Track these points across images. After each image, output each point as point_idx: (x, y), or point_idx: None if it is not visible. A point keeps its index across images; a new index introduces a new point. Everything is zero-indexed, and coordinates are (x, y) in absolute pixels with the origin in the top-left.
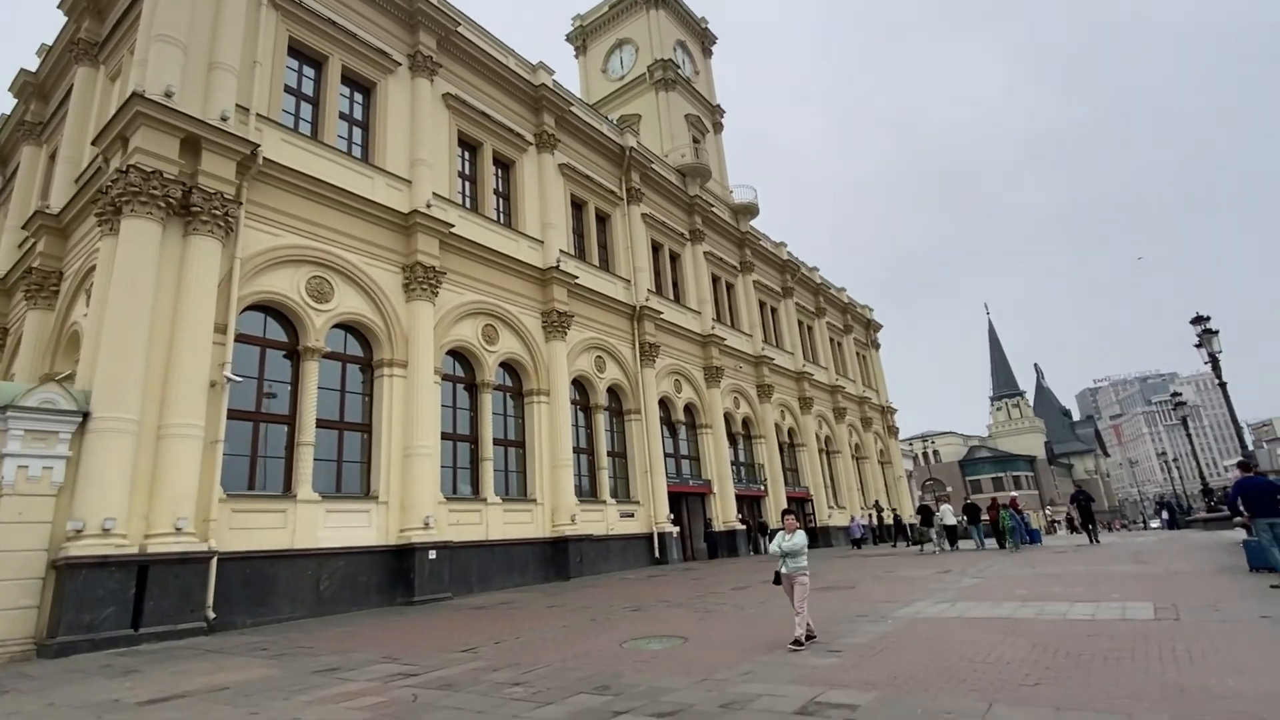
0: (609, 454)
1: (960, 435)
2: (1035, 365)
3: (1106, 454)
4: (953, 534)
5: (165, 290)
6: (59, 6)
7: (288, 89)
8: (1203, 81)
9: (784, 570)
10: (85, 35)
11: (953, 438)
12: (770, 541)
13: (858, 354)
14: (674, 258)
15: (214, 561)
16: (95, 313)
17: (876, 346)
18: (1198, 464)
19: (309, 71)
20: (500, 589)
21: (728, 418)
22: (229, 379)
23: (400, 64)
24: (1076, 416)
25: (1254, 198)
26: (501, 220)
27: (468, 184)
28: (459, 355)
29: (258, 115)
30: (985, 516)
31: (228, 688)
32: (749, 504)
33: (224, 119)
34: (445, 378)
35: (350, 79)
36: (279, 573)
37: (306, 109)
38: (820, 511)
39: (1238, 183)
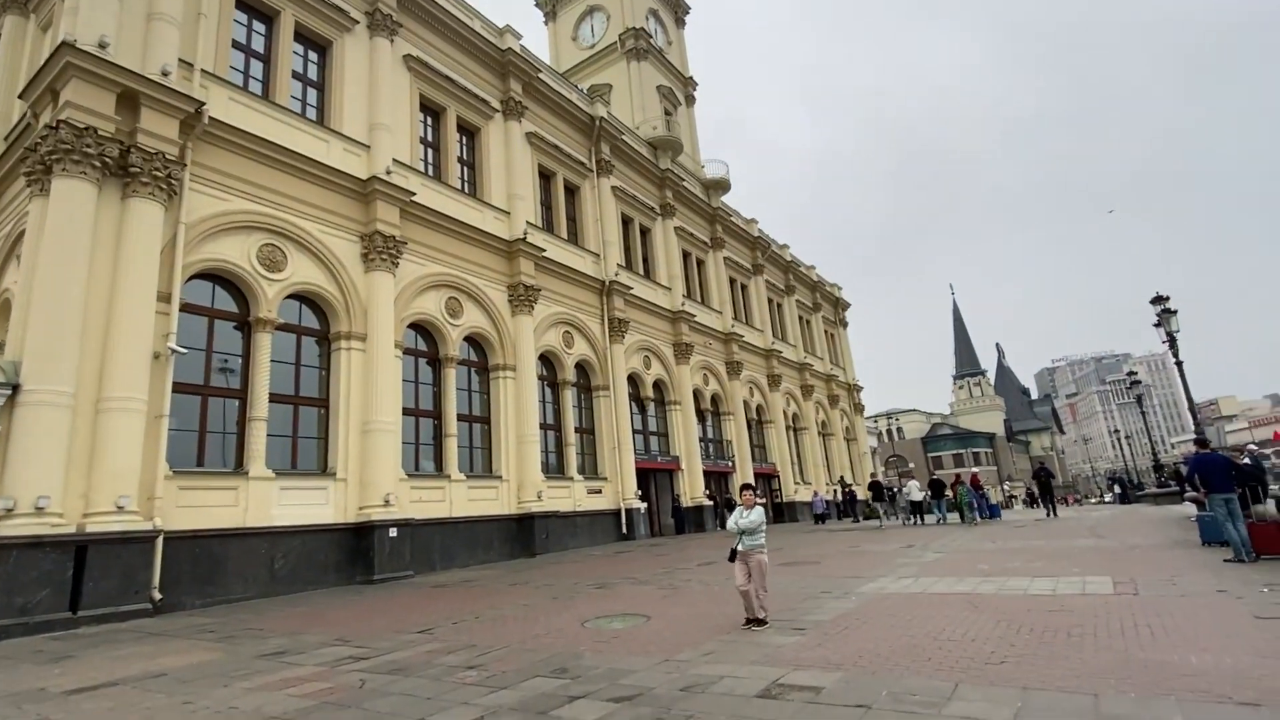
0: (577, 430)
1: (924, 413)
2: (997, 345)
3: (1062, 431)
4: (919, 509)
5: (102, 255)
6: None
7: (236, 45)
8: (1163, 73)
9: (740, 547)
10: None
11: (916, 415)
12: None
13: (826, 332)
14: (644, 232)
15: (159, 541)
16: (25, 279)
17: (844, 325)
18: (1150, 441)
19: (259, 27)
20: (464, 566)
21: (697, 394)
22: (173, 350)
23: (358, 22)
24: (1035, 395)
25: (1206, 185)
26: (466, 190)
27: (430, 151)
28: (421, 329)
29: (203, 71)
30: (949, 492)
31: (165, 673)
32: (717, 480)
33: (165, 74)
34: (407, 351)
35: (304, 36)
36: (230, 552)
37: (257, 67)
38: (786, 487)
39: (1190, 171)
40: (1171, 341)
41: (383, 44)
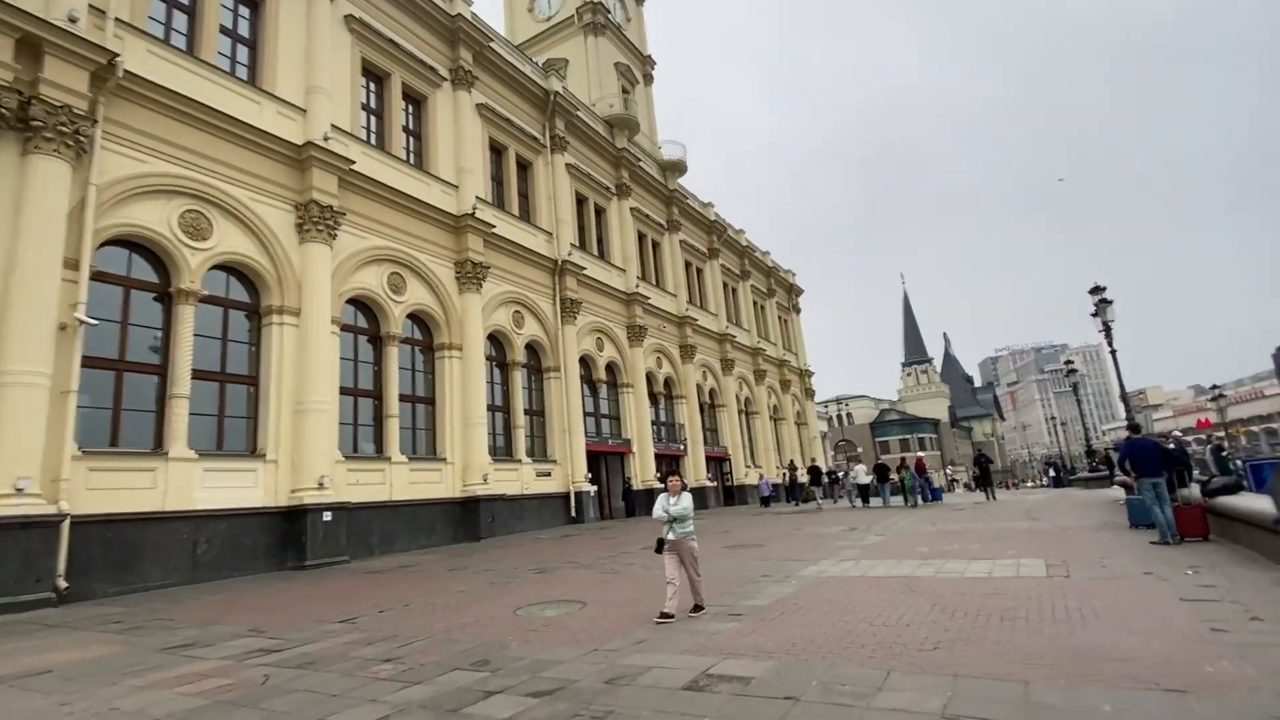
0: (526, 412)
1: (872, 399)
2: (944, 334)
3: (1003, 418)
4: (865, 492)
5: (0, 217)
6: None
7: None
8: (1105, 72)
9: (671, 536)
10: None
11: (865, 401)
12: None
13: (779, 318)
14: (599, 212)
15: (65, 525)
16: None
17: (798, 311)
18: (1085, 428)
19: None
20: (405, 551)
21: (650, 377)
22: (82, 321)
23: None
24: (978, 383)
25: (1138, 182)
26: (412, 161)
27: (373, 118)
28: (361, 304)
29: (117, 20)
30: (893, 476)
31: (50, 670)
32: (669, 463)
33: (72, 20)
34: (345, 328)
35: None
36: (148, 537)
37: (180, 19)
38: (737, 471)
39: (1126, 168)
40: (1107, 330)
41: (321, 1)
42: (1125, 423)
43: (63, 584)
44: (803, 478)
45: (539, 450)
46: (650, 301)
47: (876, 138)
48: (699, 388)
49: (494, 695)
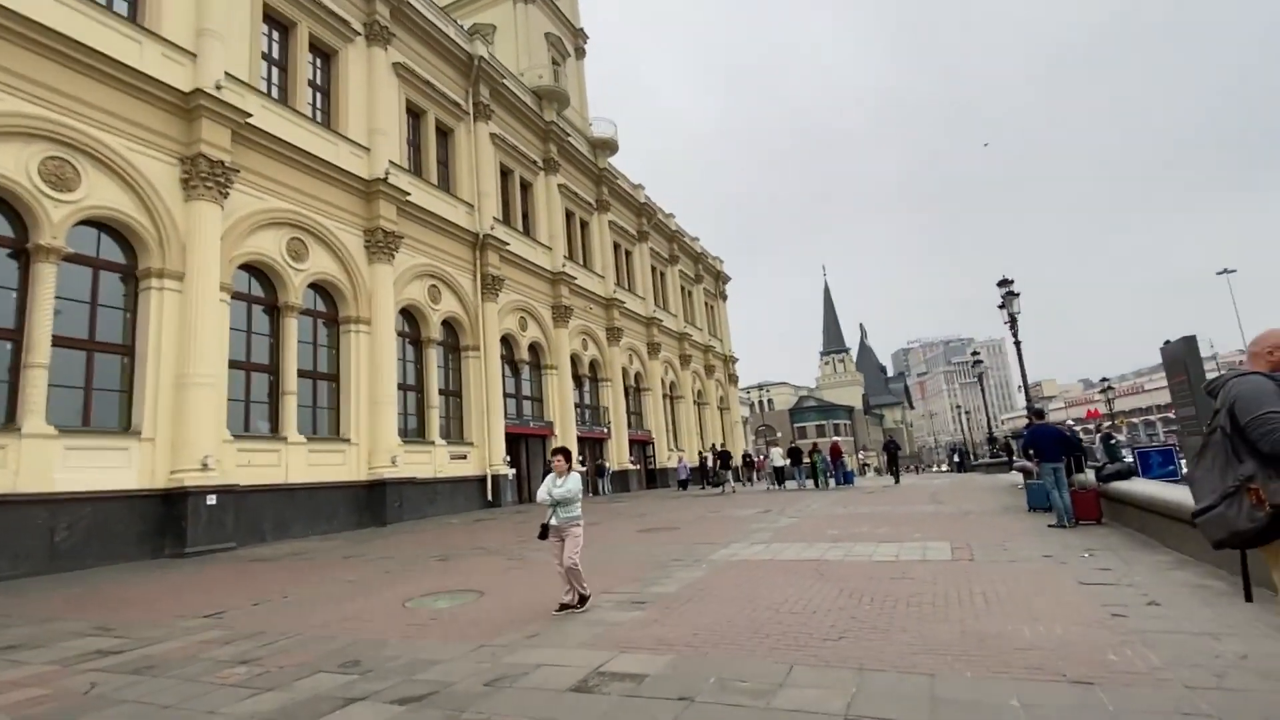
0: (441, 392)
1: (792, 386)
2: (860, 325)
3: (912, 406)
4: (781, 475)
5: None
6: None
7: None
8: (1028, 76)
9: (554, 521)
10: None
11: (786, 388)
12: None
13: (706, 304)
14: (525, 187)
15: None
16: None
17: (724, 298)
18: (987, 417)
19: None
20: (301, 538)
21: (575, 359)
22: None
23: None
24: (891, 373)
25: (1041, 185)
26: (319, 120)
27: (275, 70)
28: (256, 271)
29: None
30: (806, 459)
31: None
32: (591, 446)
33: None
34: (237, 296)
35: None
36: None
37: None
38: (660, 454)
39: (1039, 171)
40: (1013, 321)
41: None
42: (1023, 412)
43: None
44: (712, 462)
45: (455, 432)
46: (577, 282)
47: (804, 128)
48: (625, 371)
49: (355, 703)
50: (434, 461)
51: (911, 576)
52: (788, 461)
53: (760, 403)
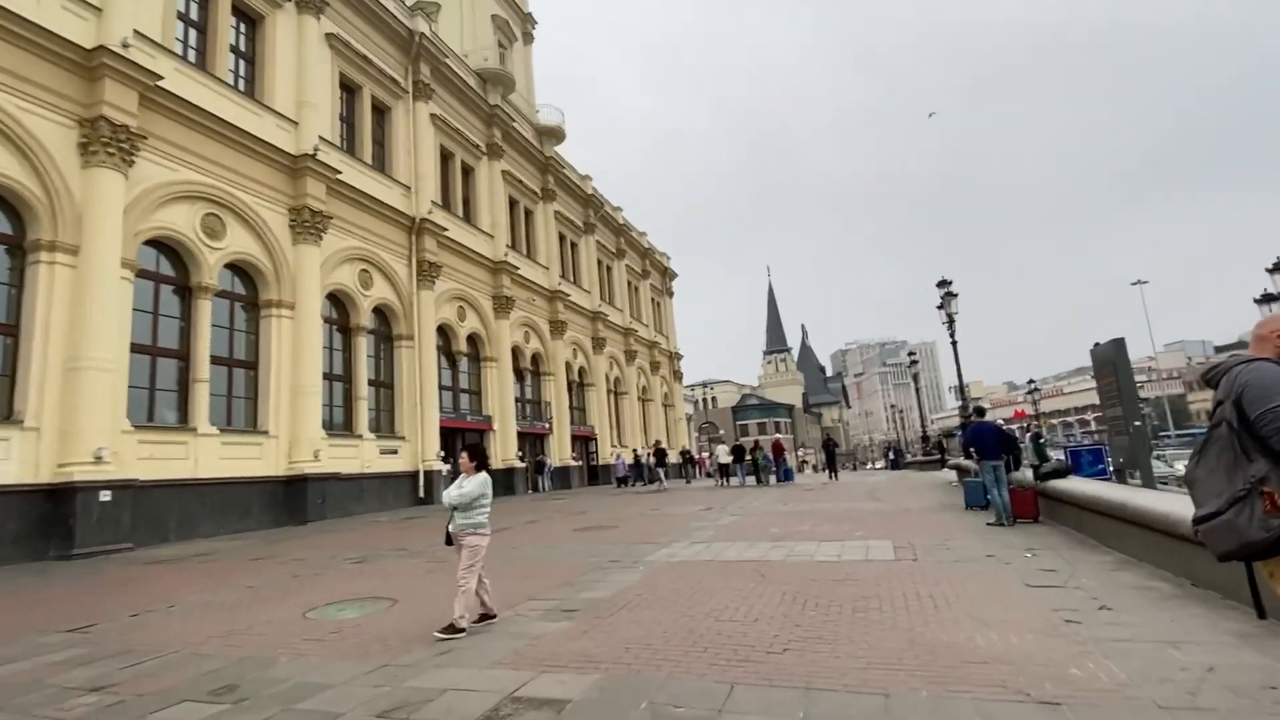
0: (371, 383)
1: (736, 384)
2: (802, 326)
3: (849, 406)
4: (726, 471)
5: None
6: None
7: None
8: (972, 84)
9: (452, 528)
10: None
11: (729, 386)
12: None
13: (653, 300)
14: (466, 171)
15: None
16: None
17: (671, 294)
18: (921, 417)
19: None
20: (210, 537)
21: (516, 352)
22: None
23: None
24: (830, 373)
25: (992, 193)
26: (242, 88)
27: (193, 32)
28: (165, 248)
29: None
30: (749, 456)
31: None
32: (532, 442)
33: None
34: (142, 274)
35: None
36: None
37: None
38: (603, 450)
39: (982, 179)
40: (950, 321)
41: None
42: (953, 411)
43: None
44: (648, 459)
45: (385, 425)
46: (520, 272)
47: (754, 131)
48: (568, 365)
49: None
50: (361, 456)
51: (856, 578)
52: (732, 459)
53: (704, 400)
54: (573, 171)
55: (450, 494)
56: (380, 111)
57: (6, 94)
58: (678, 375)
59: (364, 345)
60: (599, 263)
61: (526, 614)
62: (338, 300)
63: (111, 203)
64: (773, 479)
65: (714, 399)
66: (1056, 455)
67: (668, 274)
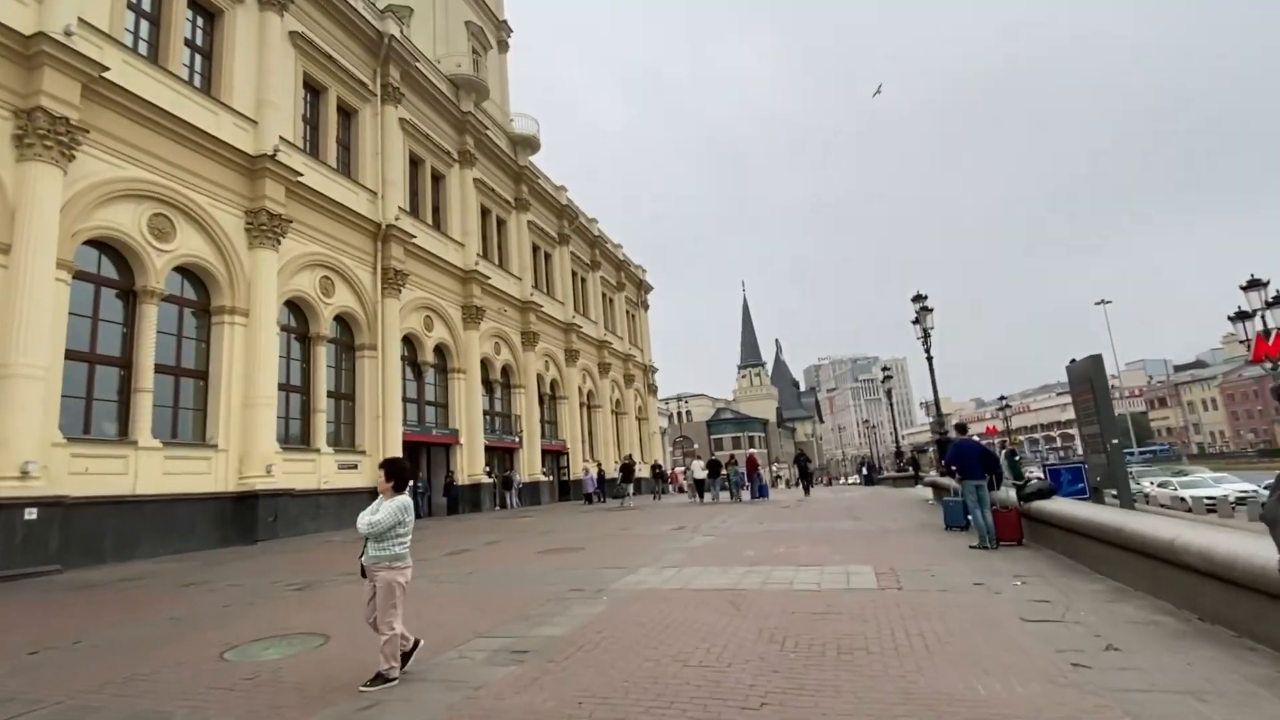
0: (331, 395)
1: (710, 398)
2: (776, 340)
3: (822, 420)
4: (701, 487)
5: None
6: None
7: None
8: (933, 107)
9: (364, 560)
10: None
11: (704, 400)
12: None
13: (627, 312)
14: (437, 178)
15: None
16: None
17: (646, 307)
18: (896, 431)
19: None
20: (150, 558)
21: (485, 364)
22: None
23: None
24: (803, 387)
25: (949, 215)
26: (198, 84)
27: (145, 23)
28: (107, 248)
29: None
30: (724, 471)
31: None
32: (501, 456)
33: None
34: (80, 276)
35: None
36: None
37: None
38: (575, 465)
39: (940, 202)
40: (925, 336)
41: None
42: (922, 427)
43: None
44: (613, 474)
45: (345, 439)
46: (491, 282)
47: (728, 149)
48: (540, 378)
49: None
50: (319, 471)
51: (838, 611)
52: (707, 474)
53: (679, 414)
54: (547, 182)
55: (362, 521)
56: (347, 114)
57: None
58: (652, 389)
59: (324, 355)
60: (573, 274)
61: (472, 654)
62: (296, 308)
63: (47, 199)
64: (746, 495)
65: (689, 413)
66: (1034, 473)
67: (643, 287)
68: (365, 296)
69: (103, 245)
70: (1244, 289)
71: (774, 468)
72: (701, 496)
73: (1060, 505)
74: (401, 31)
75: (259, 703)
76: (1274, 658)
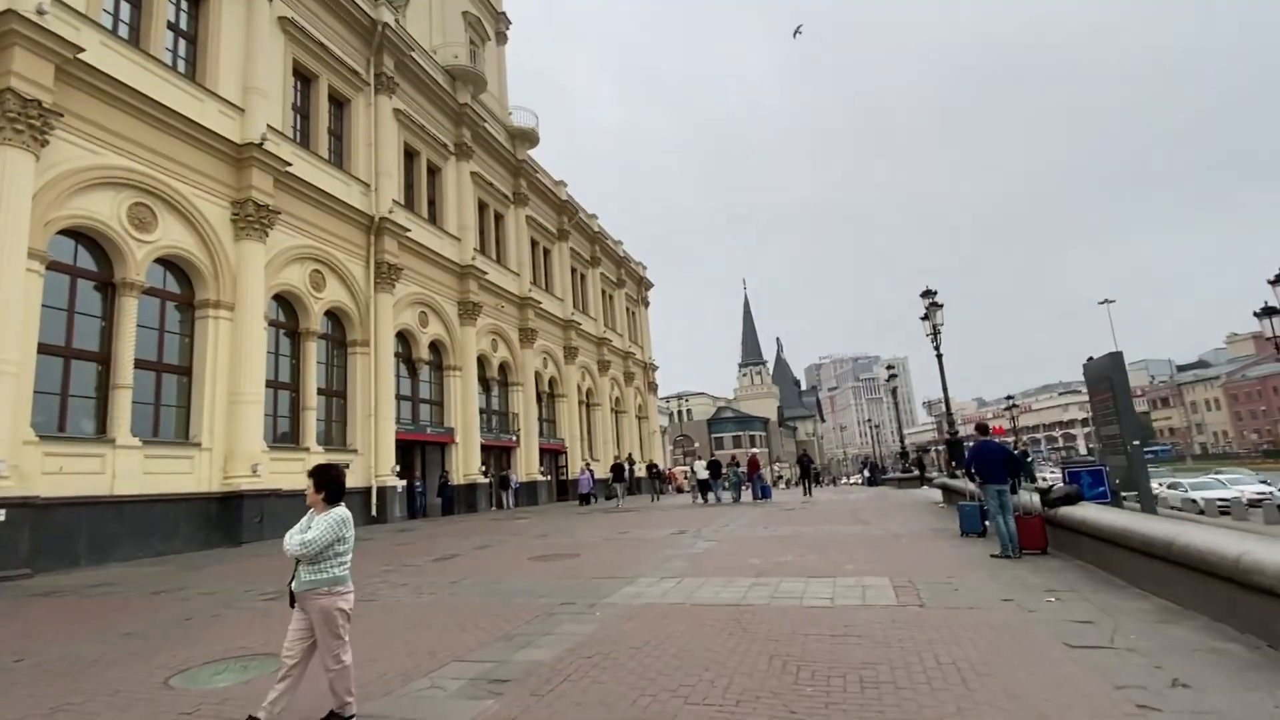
0: (321, 392)
1: (711, 396)
2: (777, 339)
3: (824, 420)
4: (705, 487)
5: None
6: None
7: None
8: (936, 109)
9: (294, 587)
10: None
11: (704, 398)
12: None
13: (628, 309)
14: (433, 171)
15: None
16: None
17: (646, 304)
18: (900, 431)
19: None
20: (128, 561)
21: (483, 361)
22: None
23: None
24: (804, 386)
25: (959, 208)
26: (182, 69)
27: (126, 5)
28: (83, 238)
29: None
30: (725, 471)
31: None
32: (498, 455)
33: None
34: (54, 267)
35: None
36: None
37: None
38: (573, 464)
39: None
40: (935, 333)
41: None
42: (924, 426)
43: None
44: (603, 473)
45: (336, 437)
46: (488, 277)
47: (730, 145)
48: (538, 375)
49: None
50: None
51: (857, 634)
52: (707, 473)
53: (679, 412)
54: (546, 176)
55: (290, 541)
56: (339, 103)
57: None
58: (652, 387)
59: (314, 351)
60: (572, 270)
61: (445, 684)
62: (285, 302)
63: (17, 185)
64: (748, 495)
65: (689, 411)
66: (1051, 475)
67: (643, 283)
68: (357, 291)
69: (79, 235)
70: (1272, 283)
71: (775, 467)
72: (705, 498)
73: (1093, 512)
74: (396, 20)
75: None
76: None
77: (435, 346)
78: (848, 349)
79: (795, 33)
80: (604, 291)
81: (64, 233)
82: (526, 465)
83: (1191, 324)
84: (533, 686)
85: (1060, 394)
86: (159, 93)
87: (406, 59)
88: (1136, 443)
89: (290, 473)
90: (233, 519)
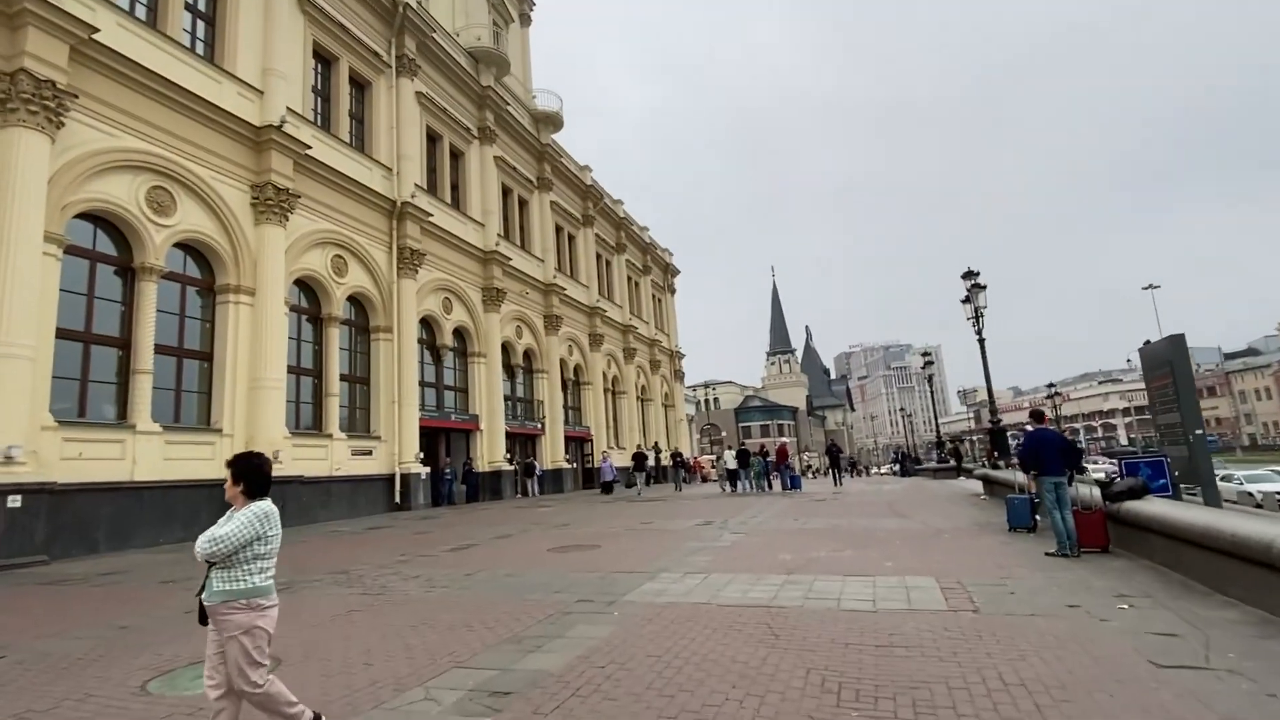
0: (344, 378)
1: (738, 385)
2: (806, 327)
3: (853, 409)
4: (734, 477)
5: None
6: None
7: None
8: (968, 91)
9: (204, 599)
10: None
11: (731, 387)
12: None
13: (654, 296)
14: (455, 155)
15: None
16: None
17: (673, 291)
18: (935, 420)
19: None
20: (147, 547)
21: (507, 348)
22: None
23: None
24: (833, 375)
25: (986, 196)
26: (200, 51)
27: None
28: (102, 222)
29: None
30: (753, 460)
31: None
32: (523, 443)
33: None
34: (72, 251)
35: None
36: None
37: None
38: (599, 453)
39: (978, 186)
40: (977, 316)
41: None
42: (958, 415)
43: None
44: (624, 462)
45: (360, 424)
46: (512, 264)
47: (758, 130)
48: (563, 362)
49: None
50: (331, 457)
51: (904, 643)
52: (737, 463)
53: (706, 401)
54: (571, 161)
55: (200, 542)
56: (360, 86)
57: None
58: (679, 375)
59: (336, 337)
60: (598, 256)
61: (440, 695)
62: (307, 287)
63: (33, 167)
64: (776, 485)
65: (716, 400)
66: (1101, 467)
67: (669, 270)
68: (380, 277)
69: (97, 219)
70: None
71: (804, 456)
72: (735, 487)
73: (1168, 508)
74: (418, 1)
75: None
76: None
77: (459, 333)
78: (878, 337)
79: None
80: (629, 278)
81: (82, 216)
82: (552, 453)
83: (1239, 311)
84: (536, 702)
85: (1100, 383)
86: (176, 74)
87: (428, 40)
88: (1199, 431)
89: (313, 459)
90: None
